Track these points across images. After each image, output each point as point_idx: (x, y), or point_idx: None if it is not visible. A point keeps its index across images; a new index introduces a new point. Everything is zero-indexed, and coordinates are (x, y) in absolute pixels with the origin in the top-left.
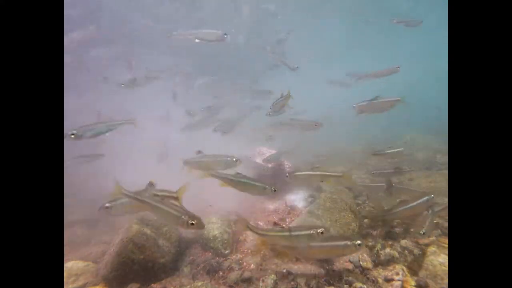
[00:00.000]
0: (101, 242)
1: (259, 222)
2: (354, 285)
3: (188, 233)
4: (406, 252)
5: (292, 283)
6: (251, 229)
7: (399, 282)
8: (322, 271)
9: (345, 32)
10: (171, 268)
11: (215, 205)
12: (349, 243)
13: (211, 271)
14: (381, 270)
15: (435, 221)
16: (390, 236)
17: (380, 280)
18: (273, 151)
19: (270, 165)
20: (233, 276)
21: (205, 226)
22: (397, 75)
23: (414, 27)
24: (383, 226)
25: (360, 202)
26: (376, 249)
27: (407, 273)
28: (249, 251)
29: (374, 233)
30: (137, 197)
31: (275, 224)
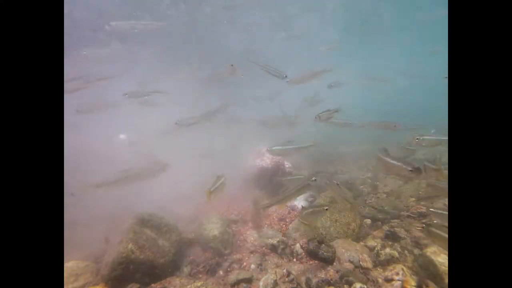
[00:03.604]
0: (101, 242)
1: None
2: (354, 285)
3: (188, 233)
4: (406, 252)
5: (292, 283)
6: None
7: (399, 282)
8: (322, 271)
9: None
10: (171, 268)
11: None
12: None
13: (211, 271)
14: (381, 270)
15: (434, 221)
16: (390, 236)
17: (380, 280)
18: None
19: (270, 166)
20: (233, 276)
21: (205, 226)
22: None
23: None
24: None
25: (360, 202)
26: (376, 249)
27: (407, 273)
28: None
29: (374, 233)
30: None
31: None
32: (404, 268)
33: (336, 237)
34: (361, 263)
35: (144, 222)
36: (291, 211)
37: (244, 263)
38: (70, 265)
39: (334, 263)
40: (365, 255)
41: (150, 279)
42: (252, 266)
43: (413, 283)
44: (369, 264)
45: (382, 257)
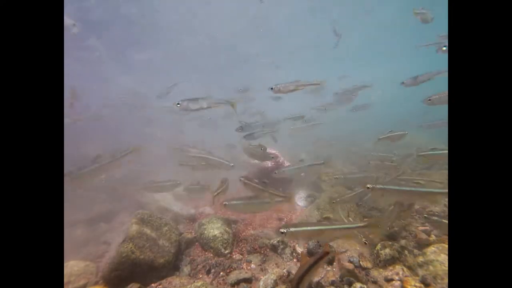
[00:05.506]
0: (101, 242)
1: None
2: (354, 285)
3: (188, 233)
4: (406, 252)
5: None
6: None
7: (399, 282)
8: (322, 271)
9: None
10: (171, 268)
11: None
12: None
13: (211, 271)
14: (381, 270)
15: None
16: (390, 236)
17: (380, 280)
18: (275, 151)
19: (270, 165)
20: (233, 276)
21: (205, 226)
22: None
23: None
24: None
25: (359, 202)
26: (376, 249)
27: (407, 273)
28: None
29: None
30: None
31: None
32: (404, 268)
33: (336, 237)
34: (361, 263)
35: (144, 222)
36: (291, 211)
37: (244, 263)
38: (70, 265)
39: (334, 263)
40: (365, 255)
41: (150, 279)
42: (252, 266)
43: (413, 283)
44: (369, 264)
45: (382, 257)
